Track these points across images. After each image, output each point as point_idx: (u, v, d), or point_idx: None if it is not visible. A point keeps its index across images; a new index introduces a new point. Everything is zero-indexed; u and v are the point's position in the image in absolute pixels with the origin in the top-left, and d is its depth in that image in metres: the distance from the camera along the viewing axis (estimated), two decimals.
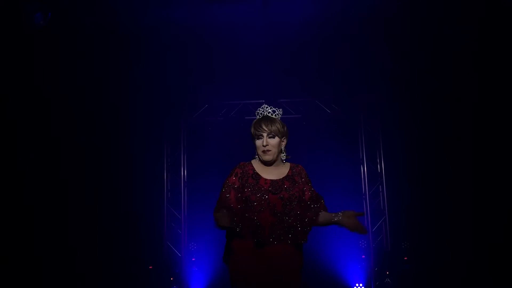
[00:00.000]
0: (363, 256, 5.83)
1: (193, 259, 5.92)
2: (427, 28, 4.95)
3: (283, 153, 2.60)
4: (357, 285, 5.68)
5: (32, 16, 4.03)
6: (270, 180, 2.50)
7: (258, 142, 2.54)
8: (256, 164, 2.59)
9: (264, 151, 2.53)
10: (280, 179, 2.52)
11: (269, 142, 2.52)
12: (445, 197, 5.49)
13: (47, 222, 5.17)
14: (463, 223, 5.34)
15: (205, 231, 5.79)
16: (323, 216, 2.52)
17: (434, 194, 5.57)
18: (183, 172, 6.14)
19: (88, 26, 4.77)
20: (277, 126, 2.54)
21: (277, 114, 2.62)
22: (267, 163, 2.56)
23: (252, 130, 2.57)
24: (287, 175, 2.56)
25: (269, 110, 2.61)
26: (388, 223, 5.87)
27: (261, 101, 5.31)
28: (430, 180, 5.61)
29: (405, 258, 5.71)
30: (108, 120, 5.58)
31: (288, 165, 2.63)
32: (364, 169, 6.01)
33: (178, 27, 4.96)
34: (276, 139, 2.54)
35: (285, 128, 2.59)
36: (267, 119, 2.57)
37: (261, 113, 2.62)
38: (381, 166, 6.01)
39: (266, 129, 2.53)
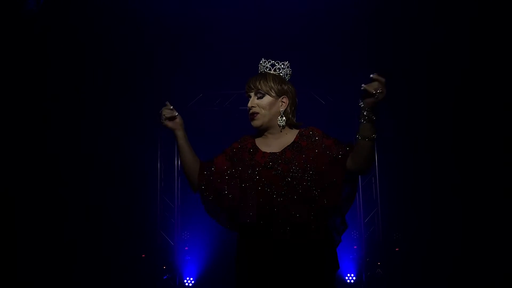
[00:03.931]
0: (355, 247, 5.87)
1: (186, 248, 5.93)
2: (422, 25, 4.95)
3: (282, 116, 2.04)
4: (348, 275, 5.72)
5: (24, 1, 3.96)
6: (269, 153, 2.00)
7: (247, 105, 2.07)
8: (258, 137, 2.13)
9: (251, 114, 2.05)
10: (281, 151, 2.00)
11: (256, 103, 2.03)
12: (438, 189, 5.52)
13: (38, 211, 5.14)
14: (456, 215, 5.38)
15: (198, 221, 5.80)
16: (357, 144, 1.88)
17: (427, 186, 5.59)
18: (177, 162, 6.12)
19: (82, 17, 4.72)
20: (270, 83, 2.02)
21: (278, 68, 2.08)
22: (261, 131, 2.07)
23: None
24: (292, 143, 2.01)
25: (267, 65, 2.09)
26: (380, 214, 5.90)
27: None
28: (423, 171, 5.63)
29: (397, 249, 5.76)
30: (100, 109, 5.54)
31: (296, 131, 2.08)
32: None
33: (172, 17, 4.93)
34: (267, 98, 2.02)
35: (287, 86, 2.05)
36: (257, 75, 2.07)
37: (258, 71, 2.12)
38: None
39: (252, 86, 2.04)
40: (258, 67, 2.14)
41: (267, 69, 2.09)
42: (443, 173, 5.52)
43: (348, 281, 5.70)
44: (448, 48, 5.14)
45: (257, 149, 2.05)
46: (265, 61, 2.11)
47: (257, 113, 2.04)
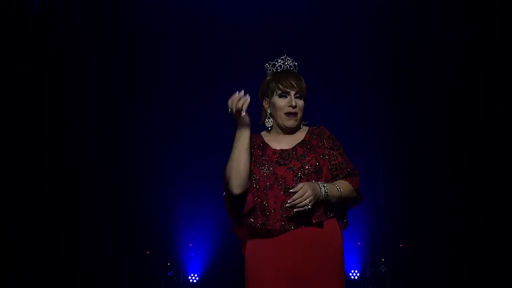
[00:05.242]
0: (358, 243, 5.87)
1: (190, 245, 5.95)
2: (428, 24, 4.94)
3: (302, 119, 2.08)
4: (352, 271, 5.73)
5: (28, 1, 3.97)
6: (280, 149, 1.98)
7: (282, 102, 1.98)
8: (265, 134, 2.10)
9: (289, 114, 1.98)
10: (292, 147, 1.99)
11: (297, 103, 1.99)
12: (442, 185, 5.50)
13: (39, 211, 5.15)
14: (459, 211, 5.36)
15: (203, 217, 5.82)
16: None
17: (432, 181, 5.57)
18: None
19: (85, 17, 4.73)
20: (305, 84, 2.01)
21: (297, 70, 2.08)
22: (287, 131, 2.04)
23: (272, 84, 2.00)
24: (302, 141, 2.01)
25: (291, 64, 2.05)
26: (384, 210, 5.88)
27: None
28: (428, 167, 5.61)
29: (401, 246, 5.75)
30: (102, 108, 5.52)
31: (305, 129, 2.08)
32: (362, 160, 5.99)
33: (173, 17, 4.96)
34: (302, 101, 2.02)
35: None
36: (293, 74, 2.00)
37: (279, 66, 2.04)
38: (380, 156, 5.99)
39: (295, 86, 1.96)
40: (278, 61, 2.05)
41: (291, 68, 2.05)
42: (447, 170, 5.51)
43: (352, 277, 5.72)
44: (450, 47, 5.13)
45: (266, 145, 2.03)
46: (288, 59, 2.05)
47: (297, 113, 2.00)
